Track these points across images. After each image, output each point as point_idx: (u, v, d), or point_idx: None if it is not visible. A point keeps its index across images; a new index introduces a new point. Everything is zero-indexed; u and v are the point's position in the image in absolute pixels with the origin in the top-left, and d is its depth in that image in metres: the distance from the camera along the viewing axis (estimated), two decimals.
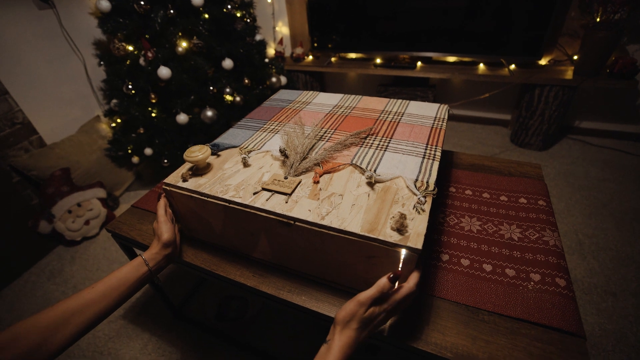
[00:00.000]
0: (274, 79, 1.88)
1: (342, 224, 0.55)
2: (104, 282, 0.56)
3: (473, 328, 0.58)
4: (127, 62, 1.58)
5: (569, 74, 1.85)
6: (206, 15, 1.57)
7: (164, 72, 1.47)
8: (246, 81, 1.78)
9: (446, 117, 0.88)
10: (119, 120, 1.79)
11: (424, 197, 0.58)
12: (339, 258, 0.59)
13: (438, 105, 0.94)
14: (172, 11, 1.48)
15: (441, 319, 0.60)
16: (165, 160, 1.73)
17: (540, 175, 0.95)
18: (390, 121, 0.87)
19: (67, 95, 1.78)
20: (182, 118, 1.58)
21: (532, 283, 0.65)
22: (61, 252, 1.62)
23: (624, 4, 1.55)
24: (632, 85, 1.70)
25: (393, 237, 0.51)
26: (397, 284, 0.52)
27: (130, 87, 1.60)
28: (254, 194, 0.64)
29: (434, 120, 0.86)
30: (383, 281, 0.50)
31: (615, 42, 1.67)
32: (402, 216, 0.52)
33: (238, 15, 1.69)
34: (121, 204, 1.88)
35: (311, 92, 1.10)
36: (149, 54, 1.47)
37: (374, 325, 0.51)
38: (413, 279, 0.52)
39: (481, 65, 2.07)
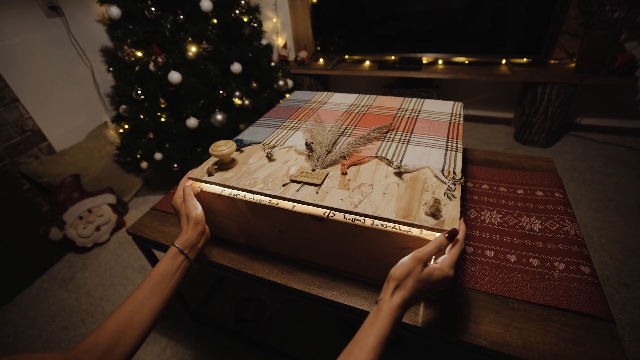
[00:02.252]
0: (281, 82, 1.91)
1: (376, 212, 0.56)
2: (147, 280, 0.57)
3: (505, 316, 0.59)
4: (137, 68, 1.59)
5: (570, 71, 1.89)
6: (215, 20, 1.59)
7: (174, 77, 1.48)
8: (254, 85, 1.80)
9: (462, 113, 0.90)
10: (126, 126, 1.80)
11: (454, 184, 0.60)
12: (371, 251, 0.60)
13: (452, 102, 0.97)
14: (181, 17, 1.50)
15: (473, 308, 0.61)
16: (175, 165, 1.73)
17: (553, 169, 0.97)
18: (409, 117, 0.88)
19: (75, 102, 1.79)
20: (192, 122, 1.59)
21: (557, 271, 0.66)
22: (72, 258, 1.61)
23: (622, 2, 1.59)
24: (632, 82, 1.74)
25: (428, 221, 0.53)
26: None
27: (139, 92, 1.61)
28: (283, 185, 0.65)
29: (451, 116, 0.88)
30: (440, 238, 0.48)
31: (614, 40, 1.71)
32: (437, 201, 0.53)
33: (245, 20, 1.72)
34: (130, 209, 1.89)
35: (326, 92, 1.11)
36: (160, 60, 1.49)
37: (429, 287, 0.47)
38: (461, 232, 0.50)
39: (484, 65, 2.11)
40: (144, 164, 1.79)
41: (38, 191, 1.63)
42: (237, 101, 1.72)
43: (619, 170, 1.83)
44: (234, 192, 0.68)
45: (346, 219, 0.58)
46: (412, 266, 0.46)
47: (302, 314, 1.22)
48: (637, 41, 1.82)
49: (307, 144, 0.72)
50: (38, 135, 1.62)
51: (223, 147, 0.69)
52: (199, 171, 0.72)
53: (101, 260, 1.58)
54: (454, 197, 0.57)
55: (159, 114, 1.65)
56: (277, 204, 0.63)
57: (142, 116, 1.67)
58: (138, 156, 1.76)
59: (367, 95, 1.06)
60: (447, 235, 0.48)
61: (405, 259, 0.47)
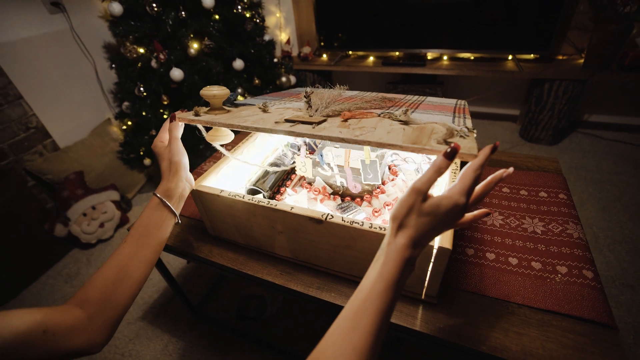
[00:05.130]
0: (283, 79, 1.89)
1: (380, 140, 0.48)
2: (131, 233, 0.55)
3: (504, 320, 0.59)
4: (139, 65, 1.59)
5: (579, 68, 1.85)
6: (217, 17, 1.58)
7: (176, 73, 1.48)
8: (256, 81, 1.79)
9: (466, 106, 0.88)
10: (129, 123, 1.80)
11: (467, 129, 0.50)
12: (369, 254, 0.59)
13: (455, 100, 0.95)
14: (183, 13, 1.49)
15: (472, 312, 0.61)
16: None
17: (558, 169, 0.95)
18: (413, 102, 0.84)
19: (79, 99, 1.79)
20: None
21: (559, 275, 0.65)
22: (77, 255, 1.63)
23: None
24: None
25: (441, 148, 0.44)
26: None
27: (142, 89, 1.61)
28: (276, 122, 0.58)
29: (456, 104, 0.85)
30: (439, 159, 0.39)
31: (625, 35, 1.67)
32: (450, 129, 0.45)
33: (247, 15, 1.70)
34: (134, 206, 1.90)
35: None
36: (161, 56, 1.49)
37: (439, 220, 0.39)
38: (481, 155, 0.40)
39: (490, 61, 2.07)
40: (147, 161, 1.80)
41: (42, 188, 1.64)
42: (240, 98, 1.71)
43: (628, 169, 1.80)
44: (233, 192, 0.67)
45: (344, 221, 0.57)
46: (412, 200, 0.39)
47: (303, 312, 1.22)
48: None
49: (305, 95, 0.64)
50: (42, 132, 1.63)
51: (215, 89, 0.63)
52: (186, 114, 0.66)
53: (105, 256, 1.60)
54: (468, 135, 0.48)
55: (161, 110, 1.65)
56: (275, 205, 0.63)
57: (144, 113, 1.67)
58: (141, 153, 1.77)
59: (369, 92, 1.04)
60: (446, 152, 0.38)
61: (404, 194, 0.40)
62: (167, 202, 0.57)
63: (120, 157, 1.85)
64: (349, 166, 0.77)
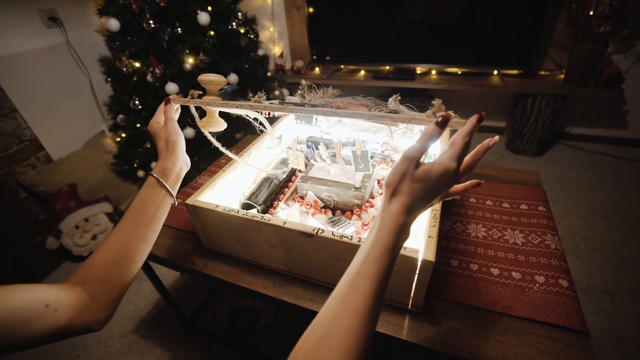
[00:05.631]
0: (277, 92, 1.94)
1: (372, 114, 0.51)
2: (129, 212, 0.55)
3: (486, 329, 0.62)
4: (134, 79, 1.62)
5: (560, 83, 1.94)
6: (212, 33, 1.62)
7: (171, 88, 1.51)
8: (250, 95, 1.83)
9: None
10: (124, 135, 1.82)
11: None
12: None
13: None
14: (179, 29, 1.53)
15: (455, 321, 0.64)
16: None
17: (538, 182, 1.01)
18: None
19: (73, 111, 1.81)
20: (189, 132, 1.62)
21: (537, 285, 0.69)
22: (67, 267, 1.63)
23: (608, 17, 1.64)
24: (618, 94, 1.79)
25: (432, 118, 0.46)
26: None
27: (137, 102, 1.64)
28: (270, 103, 0.61)
29: None
30: (430, 127, 0.40)
31: (601, 53, 1.76)
32: (439, 103, 0.47)
33: (242, 31, 1.75)
34: None
35: None
36: (157, 71, 1.52)
37: (432, 186, 0.40)
38: (468, 124, 0.41)
39: (476, 76, 2.15)
40: (141, 173, 1.81)
41: (34, 200, 1.64)
42: None
43: (608, 179, 1.88)
44: (228, 208, 0.70)
45: (334, 235, 0.61)
46: (404, 167, 0.40)
47: (296, 324, 1.24)
48: (623, 54, 1.87)
49: (300, 87, 0.67)
50: (35, 144, 1.64)
51: (212, 76, 0.65)
52: (180, 99, 0.68)
53: None
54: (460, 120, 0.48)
55: None
56: (269, 220, 0.66)
57: (139, 125, 1.70)
58: (135, 165, 1.79)
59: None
60: (437, 121, 0.40)
61: (397, 161, 0.41)
62: (163, 182, 0.57)
63: (114, 169, 1.86)
64: (341, 158, 0.80)
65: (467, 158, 0.44)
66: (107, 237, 0.52)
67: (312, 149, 0.99)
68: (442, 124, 0.40)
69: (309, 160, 0.99)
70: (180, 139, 0.61)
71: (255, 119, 0.76)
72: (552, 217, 0.87)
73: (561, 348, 0.58)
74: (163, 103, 0.65)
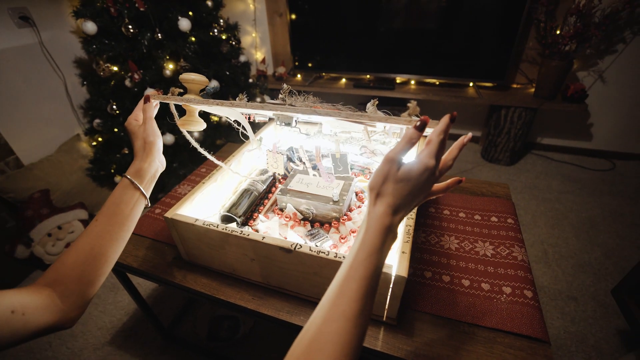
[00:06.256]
0: (258, 99, 1.94)
1: (352, 113, 0.54)
2: (102, 212, 0.55)
3: (456, 339, 0.65)
4: (112, 83, 1.58)
5: (530, 96, 2.04)
6: (193, 39, 1.61)
7: (151, 93, 1.49)
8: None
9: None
10: (100, 139, 1.77)
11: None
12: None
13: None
14: (159, 35, 1.51)
15: (427, 332, 0.67)
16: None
17: (508, 195, 1.06)
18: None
19: (46, 114, 1.74)
20: (169, 138, 1.59)
21: (504, 295, 0.73)
22: (38, 276, 1.56)
23: (573, 36, 1.75)
24: (583, 108, 1.91)
25: (410, 119, 0.50)
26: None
27: (114, 107, 1.60)
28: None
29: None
30: (409, 130, 0.41)
31: (567, 70, 1.87)
32: (415, 105, 0.50)
33: (224, 37, 1.75)
34: None
35: None
36: (136, 76, 1.49)
37: (414, 185, 0.41)
38: (442, 123, 0.43)
39: (453, 87, 2.23)
40: (118, 178, 1.77)
41: (3, 207, 1.57)
42: (214, 118, 1.73)
43: (574, 189, 1.99)
44: (207, 222, 0.71)
45: (312, 251, 0.62)
46: (386, 169, 0.41)
47: (276, 332, 1.24)
48: (587, 71, 1.99)
49: (282, 92, 0.69)
50: (4, 148, 1.57)
51: (193, 75, 0.64)
52: (160, 95, 0.68)
53: None
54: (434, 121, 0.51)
55: None
56: (248, 235, 0.67)
57: (116, 130, 1.66)
58: (112, 170, 1.74)
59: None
60: (416, 125, 0.41)
61: (379, 165, 0.42)
62: (138, 185, 0.57)
63: (89, 174, 1.80)
64: (320, 161, 0.82)
65: (444, 156, 0.45)
66: (78, 236, 0.52)
67: (292, 151, 1.00)
68: (421, 128, 0.41)
69: (289, 172, 1.00)
70: (158, 140, 0.61)
71: (237, 122, 0.76)
72: (520, 229, 0.92)
73: (524, 357, 0.62)
74: (142, 100, 0.64)
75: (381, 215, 0.40)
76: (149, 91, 1.50)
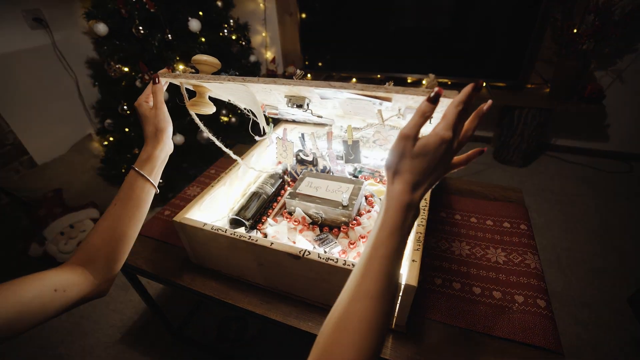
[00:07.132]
0: None
1: (365, 88, 0.52)
2: (119, 196, 0.58)
3: (466, 349, 0.64)
4: (123, 84, 1.60)
5: (545, 97, 1.99)
6: (203, 39, 1.62)
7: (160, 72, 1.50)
8: None
9: None
10: (111, 139, 1.80)
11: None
12: (343, 285, 0.64)
13: None
14: (169, 35, 1.52)
15: (437, 340, 0.66)
16: (161, 180, 1.74)
17: (521, 199, 1.04)
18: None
19: (59, 114, 1.78)
20: (179, 139, 1.61)
21: (516, 304, 0.71)
22: None
23: (590, 35, 1.70)
24: (600, 109, 1.85)
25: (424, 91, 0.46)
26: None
27: (125, 107, 1.62)
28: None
29: None
30: (423, 104, 0.39)
31: (584, 70, 1.82)
32: (433, 78, 0.47)
33: (234, 37, 1.75)
34: None
35: None
36: (146, 77, 1.50)
37: (432, 159, 0.39)
38: (462, 93, 0.39)
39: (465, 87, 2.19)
40: None
41: (17, 206, 1.60)
42: (224, 118, 1.74)
43: (588, 191, 1.94)
44: (215, 226, 0.71)
45: (320, 258, 0.62)
46: (402, 145, 0.39)
47: (284, 333, 1.24)
48: (605, 71, 1.93)
49: (295, 77, 0.69)
50: (18, 148, 1.60)
51: (206, 56, 0.64)
52: (170, 73, 0.66)
53: None
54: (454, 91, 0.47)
55: None
56: (256, 240, 0.67)
57: (127, 130, 1.68)
58: (123, 170, 1.76)
59: None
60: (430, 97, 0.39)
61: (394, 142, 0.41)
62: (147, 176, 0.59)
63: (100, 173, 1.83)
64: (331, 148, 0.80)
65: (464, 125, 0.43)
66: (100, 219, 0.56)
67: (302, 138, 0.97)
68: (434, 100, 0.39)
69: (298, 161, 0.98)
70: (169, 127, 0.62)
71: (248, 110, 0.75)
72: (533, 235, 0.90)
73: None
74: (151, 82, 0.64)
75: (400, 193, 0.40)
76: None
